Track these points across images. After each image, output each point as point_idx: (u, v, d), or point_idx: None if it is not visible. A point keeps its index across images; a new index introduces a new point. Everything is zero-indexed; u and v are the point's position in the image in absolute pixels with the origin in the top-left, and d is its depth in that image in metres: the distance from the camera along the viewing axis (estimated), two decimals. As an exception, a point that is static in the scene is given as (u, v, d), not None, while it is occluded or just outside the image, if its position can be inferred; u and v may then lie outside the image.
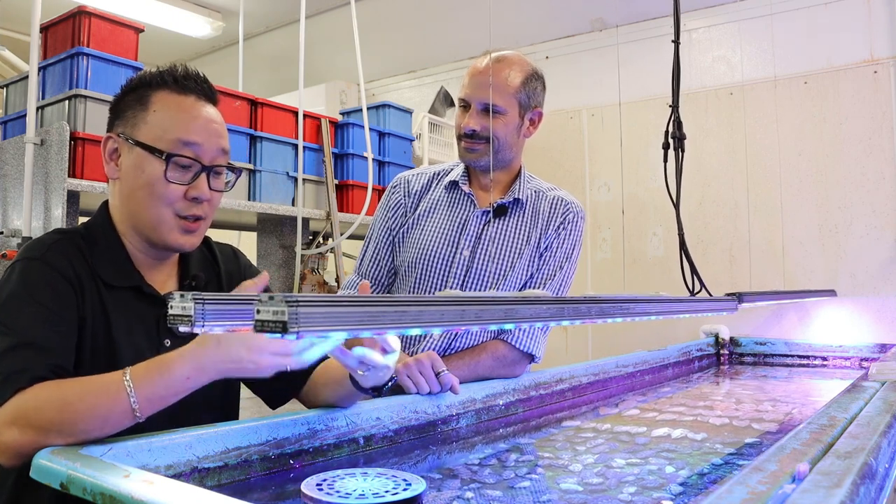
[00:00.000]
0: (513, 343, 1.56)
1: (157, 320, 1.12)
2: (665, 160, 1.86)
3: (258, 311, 0.54)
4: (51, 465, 0.81)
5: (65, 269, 1.04)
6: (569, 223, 1.65)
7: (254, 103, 2.83)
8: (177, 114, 1.10)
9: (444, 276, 1.60)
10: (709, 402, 1.73)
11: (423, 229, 1.64)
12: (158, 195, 1.09)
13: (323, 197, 3.06)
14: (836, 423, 1.03)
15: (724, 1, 3.25)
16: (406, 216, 1.67)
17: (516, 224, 1.63)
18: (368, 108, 3.20)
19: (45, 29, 2.35)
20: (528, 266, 1.62)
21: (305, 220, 2.97)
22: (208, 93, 1.15)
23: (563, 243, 1.64)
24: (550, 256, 1.63)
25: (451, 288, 1.58)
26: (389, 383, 1.11)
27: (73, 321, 1.03)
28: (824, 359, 2.46)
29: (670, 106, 1.84)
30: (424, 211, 1.66)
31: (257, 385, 1.25)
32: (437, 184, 1.70)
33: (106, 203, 1.17)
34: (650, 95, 3.38)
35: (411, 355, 1.38)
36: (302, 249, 2.94)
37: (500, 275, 1.59)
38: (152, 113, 1.10)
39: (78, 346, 1.03)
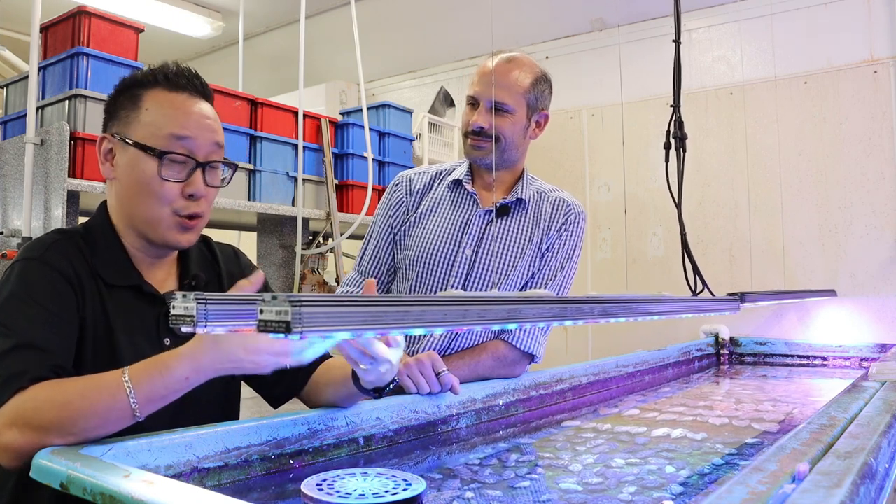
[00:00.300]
0: (513, 343, 1.56)
1: (157, 319, 1.12)
2: (667, 160, 1.86)
3: (261, 311, 0.54)
4: (51, 466, 0.81)
5: (64, 269, 1.04)
6: (570, 224, 1.65)
7: (254, 103, 2.83)
8: (169, 110, 1.10)
9: (445, 274, 1.60)
10: (709, 402, 1.72)
11: (424, 227, 1.64)
12: (155, 194, 1.08)
13: (323, 197, 3.06)
14: (836, 423, 1.03)
15: (724, 1, 3.25)
16: (407, 214, 1.67)
17: (519, 224, 1.64)
18: (368, 108, 3.20)
19: (45, 29, 2.35)
20: (530, 266, 1.62)
21: (305, 220, 2.97)
22: (200, 89, 1.15)
23: (564, 244, 1.64)
24: (552, 257, 1.63)
25: (452, 287, 1.58)
26: (391, 385, 1.11)
27: (74, 321, 1.03)
28: (824, 359, 2.46)
29: (671, 106, 1.84)
30: (426, 209, 1.66)
31: (258, 384, 1.25)
32: (439, 182, 1.70)
33: (105, 203, 1.17)
34: (650, 95, 3.38)
35: (412, 355, 1.38)
36: (302, 249, 2.94)
37: (501, 274, 1.59)
38: (144, 111, 1.10)
39: (78, 346, 1.03)
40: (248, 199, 2.77)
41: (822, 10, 3.01)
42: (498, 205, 1.63)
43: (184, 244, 1.13)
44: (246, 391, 1.27)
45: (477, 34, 3.87)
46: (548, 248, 1.63)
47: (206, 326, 0.65)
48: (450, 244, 1.61)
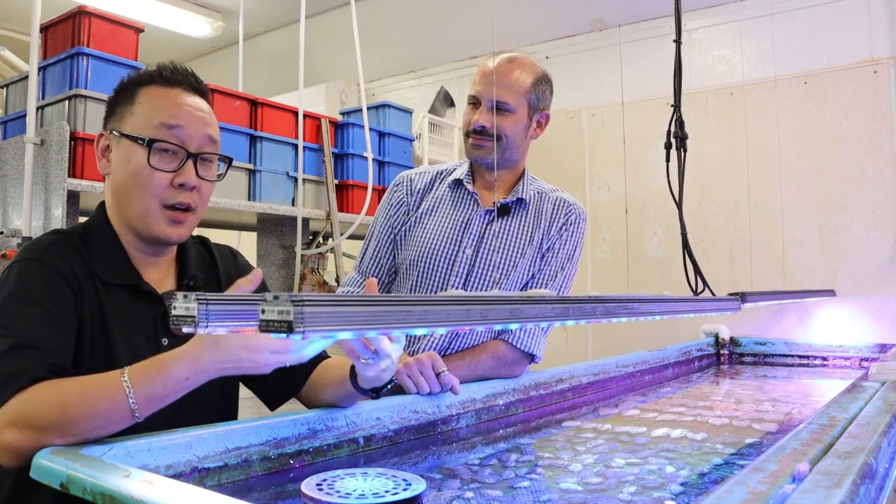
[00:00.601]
0: (513, 343, 1.56)
1: (154, 319, 1.12)
2: (667, 160, 1.86)
3: (263, 311, 0.54)
4: (51, 465, 0.81)
5: (62, 269, 1.04)
6: (571, 224, 1.66)
7: (254, 103, 2.83)
8: (160, 102, 1.11)
9: (446, 274, 1.60)
10: (709, 402, 1.72)
11: (425, 227, 1.64)
12: (144, 184, 1.09)
13: (323, 197, 3.06)
14: (836, 423, 1.03)
15: (724, 1, 3.25)
16: (408, 214, 1.67)
17: (519, 224, 1.64)
18: (368, 108, 3.20)
19: (45, 29, 2.34)
20: (530, 266, 1.62)
21: (305, 220, 2.97)
22: (195, 85, 1.16)
23: (564, 244, 1.64)
24: (552, 257, 1.63)
25: (452, 286, 1.58)
26: (389, 385, 1.11)
27: (72, 321, 1.03)
28: (824, 359, 2.46)
29: (672, 105, 1.84)
30: (427, 209, 1.66)
31: (256, 385, 1.25)
32: (440, 182, 1.70)
33: (103, 203, 1.17)
34: (650, 95, 3.38)
35: (412, 355, 1.38)
36: (302, 249, 2.94)
37: (502, 274, 1.59)
38: (138, 105, 1.11)
39: (77, 346, 1.03)
40: (248, 199, 2.77)
41: (822, 10, 3.01)
42: (498, 204, 1.63)
43: (174, 239, 1.13)
44: (246, 391, 1.27)
45: (477, 34, 3.87)
46: (548, 248, 1.64)
47: (207, 327, 0.64)
48: (450, 244, 1.61)
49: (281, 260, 3.04)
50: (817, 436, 0.95)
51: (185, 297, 0.64)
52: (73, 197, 2.12)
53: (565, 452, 1.21)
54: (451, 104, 4.19)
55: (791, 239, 3.05)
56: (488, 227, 1.62)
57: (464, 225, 1.62)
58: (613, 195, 3.54)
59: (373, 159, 3.10)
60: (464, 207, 1.65)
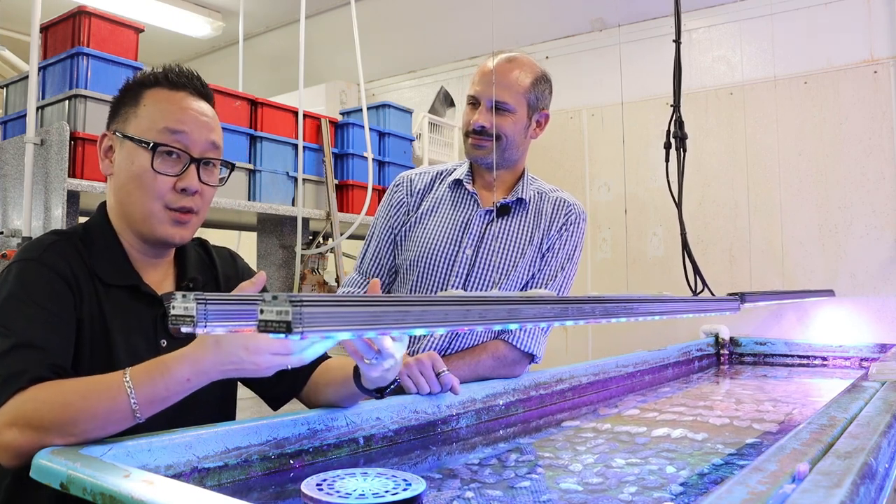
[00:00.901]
0: (513, 343, 1.56)
1: (154, 320, 1.12)
2: (667, 160, 1.86)
3: (262, 311, 0.54)
4: (51, 465, 0.81)
5: (62, 269, 1.04)
6: (571, 224, 1.66)
7: (254, 103, 2.83)
8: (165, 105, 1.11)
9: (446, 274, 1.60)
10: (709, 402, 1.72)
11: (425, 227, 1.64)
12: (147, 187, 1.09)
13: (323, 197, 3.06)
14: (836, 423, 1.03)
15: (724, 1, 3.25)
16: (408, 214, 1.68)
17: (519, 224, 1.64)
18: (368, 108, 3.20)
19: (45, 29, 2.35)
20: (530, 266, 1.62)
21: (305, 220, 2.97)
22: (200, 89, 1.16)
23: (564, 245, 1.64)
24: (552, 257, 1.63)
25: (452, 286, 1.58)
26: (392, 385, 1.11)
27: (71, 321, 1.03)
28: (824, 359, 2.46)
29: (671, 105, 1.84)
30: (427, 209, 1.66)
31: (258, 385, 1.25)
32: (440, 183, 1.70)
33: (104, 203, 1.17)
34: (650, 95, 3.38)
35: (412, 355, 1.38)
36: (302, 249, 2.94)
37: (502, 274, 1.59)
38: (143, 107, 1.11)
39: (76, 347, 1.03)
40: (248, 199, 2.77)
41: (822, 10, 3.01)
42: (498, 204, 1.63)
43: (177, 240, 1.13)
44: (245, 392, 1.27)
45: (477, 34, 3.87)
46: (548, 248, 1.64)
47: (205, 327, 0.64)
48: (450, 244, 1.61)
49: (281, 260, 3.04)
50: (817, 436, 0.95)
51: (183, 296, 0.64)
52: (72, 197, 2.12)
53: (565, 452, 1.21)
54: (451, 104, 4.19)
55: (791, 239, 3.05)
56: (488, 227, 1.62)
57: (464, 225, 1.62)
58: (613, 195, 3.54)
59: (373, 159, 3.10)
60: (464, 207, 1.65)
